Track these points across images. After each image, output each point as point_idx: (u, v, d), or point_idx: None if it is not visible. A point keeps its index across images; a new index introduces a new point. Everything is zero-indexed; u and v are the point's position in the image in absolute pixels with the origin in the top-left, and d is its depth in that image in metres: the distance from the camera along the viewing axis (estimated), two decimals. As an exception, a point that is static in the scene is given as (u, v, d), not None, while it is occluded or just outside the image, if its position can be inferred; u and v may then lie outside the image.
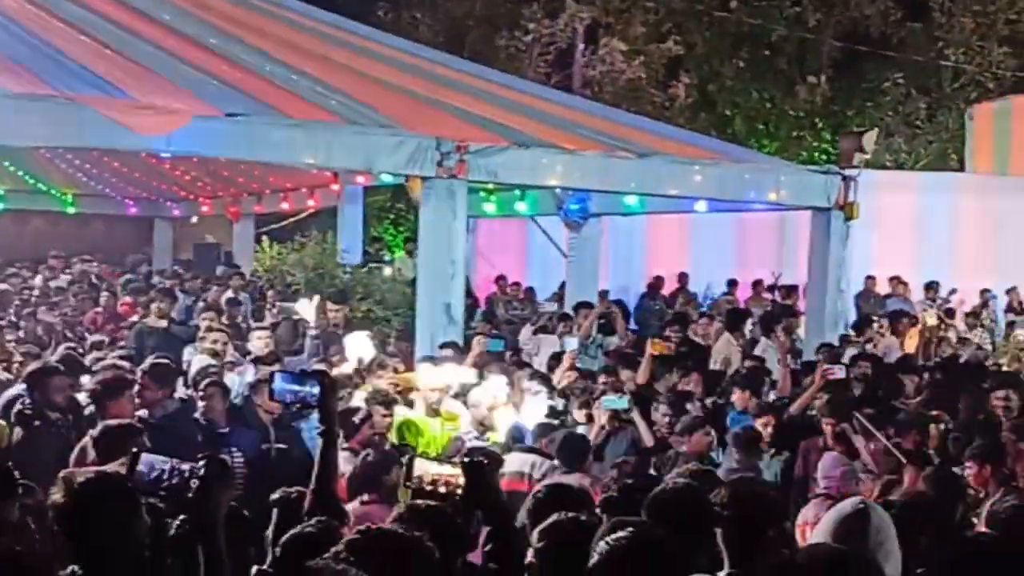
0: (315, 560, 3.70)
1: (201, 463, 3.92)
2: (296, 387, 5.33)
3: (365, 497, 6.97)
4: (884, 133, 28.12)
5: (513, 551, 4.70)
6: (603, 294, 16.70)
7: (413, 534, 3.97)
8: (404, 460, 5.31)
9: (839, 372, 10.95)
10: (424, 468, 4.98)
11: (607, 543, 3.93)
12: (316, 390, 5.25)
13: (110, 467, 4.63)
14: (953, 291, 20.46)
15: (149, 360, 9.82)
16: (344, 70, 15.07)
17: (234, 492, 4.15)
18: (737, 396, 11.09)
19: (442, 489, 4.82)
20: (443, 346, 12.22)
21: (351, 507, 6.40)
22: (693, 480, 5.48)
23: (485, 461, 4.98)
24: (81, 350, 12.40)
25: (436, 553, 3.83)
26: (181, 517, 3.96)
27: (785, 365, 12.20)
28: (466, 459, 4.91)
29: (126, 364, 10.28)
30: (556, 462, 8.59)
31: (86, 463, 6.81)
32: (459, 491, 4.81)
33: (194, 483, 3.86)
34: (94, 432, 6.75)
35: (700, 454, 9.23)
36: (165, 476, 3.91)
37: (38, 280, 20.40)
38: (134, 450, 4.10)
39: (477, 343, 12.14)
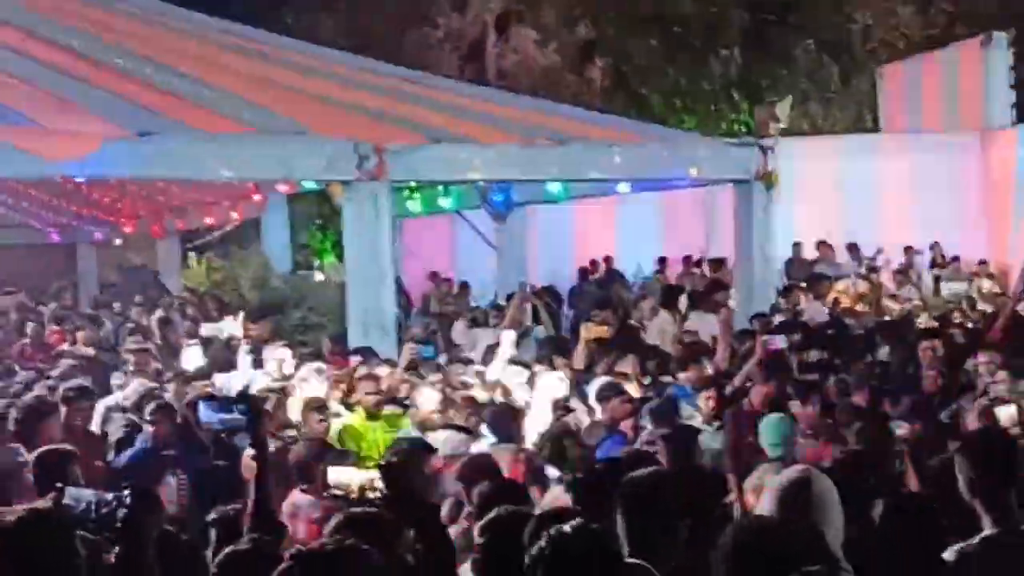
0: None
1: (127, 492, 3.88)
2: (224, 415, 5.30)
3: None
4: (799, 99, 28.34)
5: (443, 546, 4.70)
6: (521, 285, 16.68)
7: (357, 546, 3.95)
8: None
9: (779, 343, 11.00)
10: (339, 476, 4.97)
11: (552, 536, 3.93)
12: (244, 416, 5.22)
13: (38, 503, 4.57)
14: (879, 251, 20.69)
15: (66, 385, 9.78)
16: (255, 79, 14.98)
17: (162, 518, 4.11)
18: (685, 375, 11.11)
19: (358, 494, 4.81)
20: (361, 351, 12.10)
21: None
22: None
23: (393, 460, 4.96)
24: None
25: (380, 561, 3.82)
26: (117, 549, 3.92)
27: (726, 338, 12.22)
28: (381, 462, 4.90)
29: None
30: (464, 436, 8.63)
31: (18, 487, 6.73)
32: (376, 494, 4.80)
33: (120, 512, 3.82)
34: (33, 455, 6.62)
35: (616, 420, 9.32)
36: (92, 508, 3.87)
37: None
38: (58, 485, 4.05)
39: (407, 350, 12.04)
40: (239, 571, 3.93)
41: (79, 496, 3.91)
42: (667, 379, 11.44)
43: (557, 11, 32.38)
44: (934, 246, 21.12)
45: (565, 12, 32.44)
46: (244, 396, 6.27)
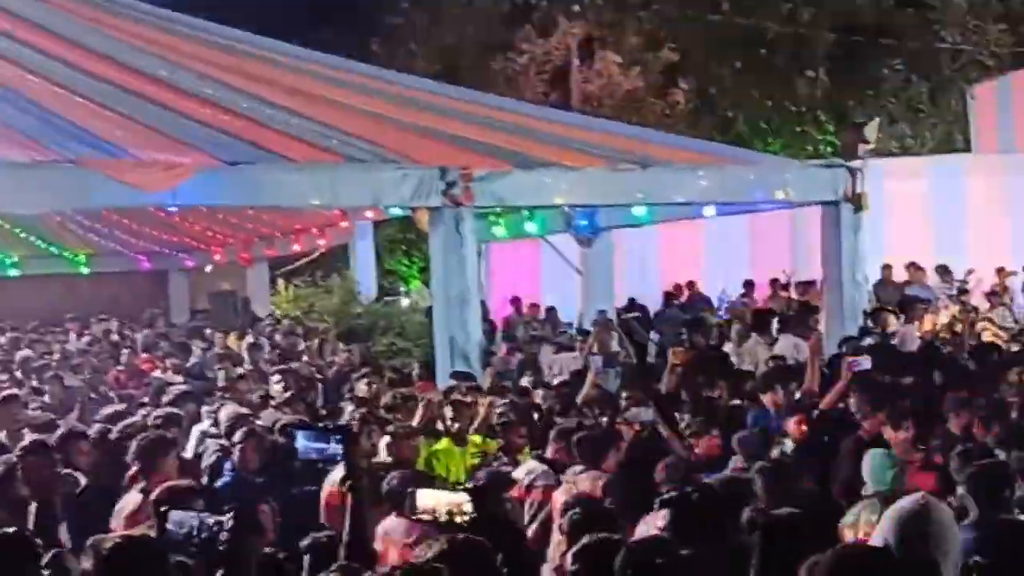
0: None
1: (229, 515, 3.92)
2: (321, 444, 5.34)
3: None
4: (888, 120, 28.07)
5: (530, 571, 4.68)
6: (600, 315, 16.60)
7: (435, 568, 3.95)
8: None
9: (864, 363, 10.84)
10: (428, 499, 4.98)
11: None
12: (340, 447, 5.25)
13: (136, 531, 4.64)
14: (970, 271, 20.38)
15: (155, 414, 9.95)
16: (343, 108, 15.13)
17: (265, 541, 4.15)
18: (767, 397, 10.98)
19: (447, 518, 4.81)
20: (455, 376, 12.20)
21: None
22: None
23: (482, 484, 4.96)
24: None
25: None
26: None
27: (814, 363, 12.05)
28: (470, 485, 4.89)
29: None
30: (546, 468, 8.58)
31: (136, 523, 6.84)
32: (466, 517, 4.80)
33: (223, 536, 3.86)
34: (154, 494, 6.70)
35: (711, 457, 9.25)
36: (195, 531, 3.91)
37: (57, 345, 20.46)
38: (162, 508, 4.11)
39: (488, 374, 12.09)
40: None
41: (182, 520, 3.95)
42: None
43: (641, 35, 32.36)
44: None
45: (649, 36, 32.42)
46: (341, 427, 6.31)
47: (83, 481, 8.71)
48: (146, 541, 4.26)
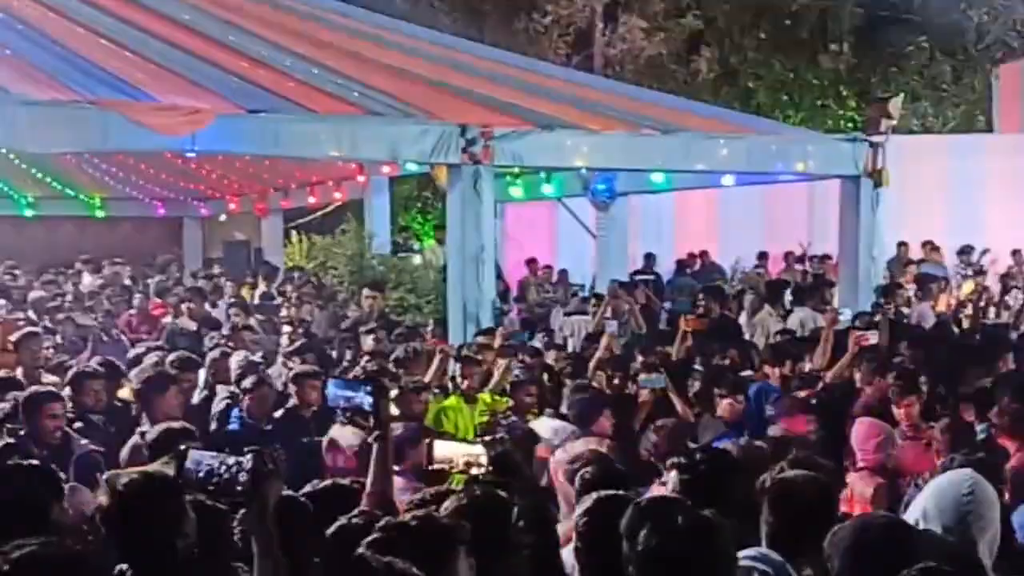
0: (361, 551, 3.69)
1: (248, 456, 3.91)
2: (349, 393, 5.34)
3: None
4: (910, 97, 27.89)
5: (548, 527, 4.67)
6: (611, 284, 16.55)
7: (457, 523, 3.95)
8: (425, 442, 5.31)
9: (872, 338, 10.85)
10: (445, 450, 4.98)
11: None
12: (369, 397, 5.25)
13: (153, 466, 4.65)
14: (985, 251, 20.32)
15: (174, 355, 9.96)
16: (365, 61, 15.08)
17: (282, 483, 4.15)
18: (770, 370, 10.98)
19: (464, 469, 4.81)
20: (479, 333, 12.24)
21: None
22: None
23: (507, 440, 4.96)
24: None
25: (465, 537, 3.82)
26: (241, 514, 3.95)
27: (829, 337, 12.02)
28: (487, 438, 4.88)
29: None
30: (573, 427, 8.58)
31: (140, 462, 6.86)
32: (481, 469, 4.80)
33: (243, 476, 3.85)
34: (149, 435, 6.72)
35: (727, 421, 9.26)
36: (214, 471, 3.90)
37: (70, 286, 20.50)
38: (181, 447, 4.11)
39: (499, 335, 12.05)
40: (351, 543, 3.94)
41: (200, 459, 3.94)
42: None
43: (665, 1, 32.18)
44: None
45: (673, 2, 32.24)
46: (372, 378, 6.32)
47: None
48: (162, 477, 4.27)
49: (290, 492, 4.66)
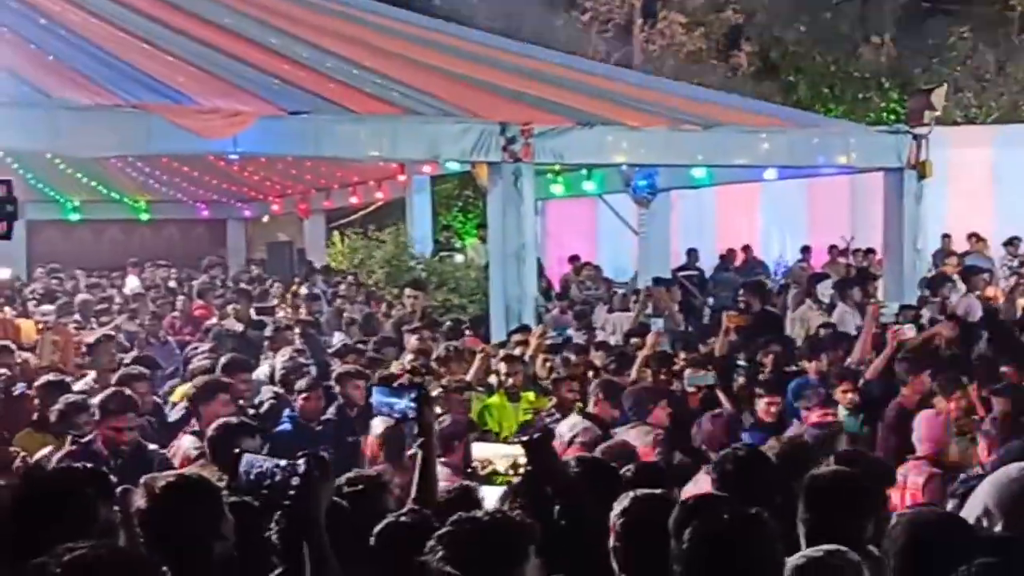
0: (422, 556, 3.68)
1: (301, 460, 3.93)
2: (394, 399, 5.37)
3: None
4: (953, 88, 27.64)
5: (582, 524, 4.66)
6: (655, 281, 16.49)
7: (530, 522, 3.94)
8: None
9: (909, 332, 10.78)
10: (483, 451, 4.99)
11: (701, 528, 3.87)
12: (414, 404, 5.27)
13: (191, 469, 4.68)
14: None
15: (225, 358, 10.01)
16: (404, 61, 15.12)
17: (333, 487, 4.16)
18: (811, 364, 10.92)
19: (502, 470, 4.82)
20: (515, 331, 12.24)
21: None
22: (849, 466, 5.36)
23: (543, 437, 4.94)
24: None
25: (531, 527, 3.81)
26: (279, 514, 3.97)
27: (869, 331, 11.94)
28: (524, 438, 4.87)
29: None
30: (588, 424, 8.57)
31: (188, 464, 6.93)
32: (520, 470, 4.80)
33: (295, 481, 3.87)
34: (209, 430, 6.76)
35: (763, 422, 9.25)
36: (267, 475, 3.92)
37: (115, 291, 20.68)
38: (236, 450, 4.13)
39: (534, 333, 11.99)
40: (400, 541, 3.96)
41: (253, 462, 3.96)
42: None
43: (705, -5, 32.07)
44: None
45: (713, -4, 32.13)
46: (416, 385, 6.36)
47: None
48: (199, 479, 4.29)
49: (336, 499, 4.67)
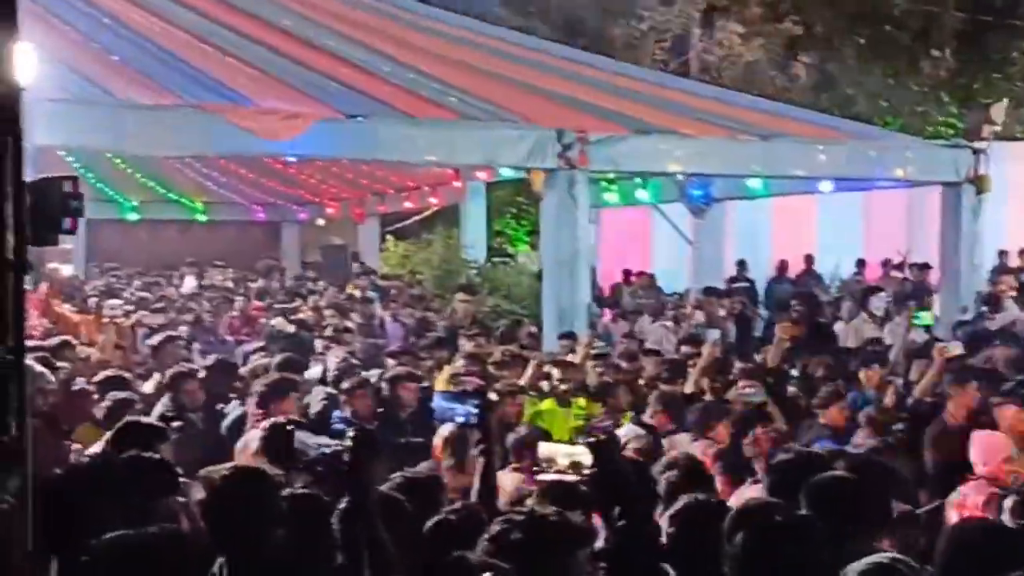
0: (472, 555, 3.72)
1: (351, 437, 3.99)
2: (455, 405, 5.43)
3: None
4: (1014, 104, 27.37)
5: (643, 528, 4.68)
6: (707, 291, 16.37)
7: (570, 521, 3.97)
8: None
9: (955, 348, 10.66)
10: (550, 451, 5.01)
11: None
12: (476, 410, 5.32)
13: (242, 462, 4.73)
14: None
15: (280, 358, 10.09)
16: (461, 67, 15.18)
17: (382, 465, 4.23)
18: (863, 374, 10.88)
19: (570, 471, 4.84)
20: (562, 336, 12.25)
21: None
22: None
23: (610, 439, 4.97)
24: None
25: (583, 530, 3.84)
26: (340, 507, 4.03)
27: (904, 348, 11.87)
28: (592, 439, 4.90)
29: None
30: (642, 431, 8.57)
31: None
32: (586, 471, 4.82)
33: (346, 456, 3.92)
34: (262, 430, 6.85)
35: (836, 427, 9.17)
36: (318, 451, 3.99)
37: (172, 290, 20.87)
38: (289, 427, 4.20)
39: (582, 341, 11.99)
40: (450, 538, 4.00)
41: (306, 441, 4.03)
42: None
43: (763, 6, 31.94)
44: None
45: (771, 7, 31.99)
46: (479, 391, 6.45)
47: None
48: (258, 472, 4.36)
49: (392, 493, 4.73)
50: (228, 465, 4.64)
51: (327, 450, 3.97)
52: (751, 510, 4.07)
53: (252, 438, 7.60)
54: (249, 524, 4.18)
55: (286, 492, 4.31)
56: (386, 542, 3.92)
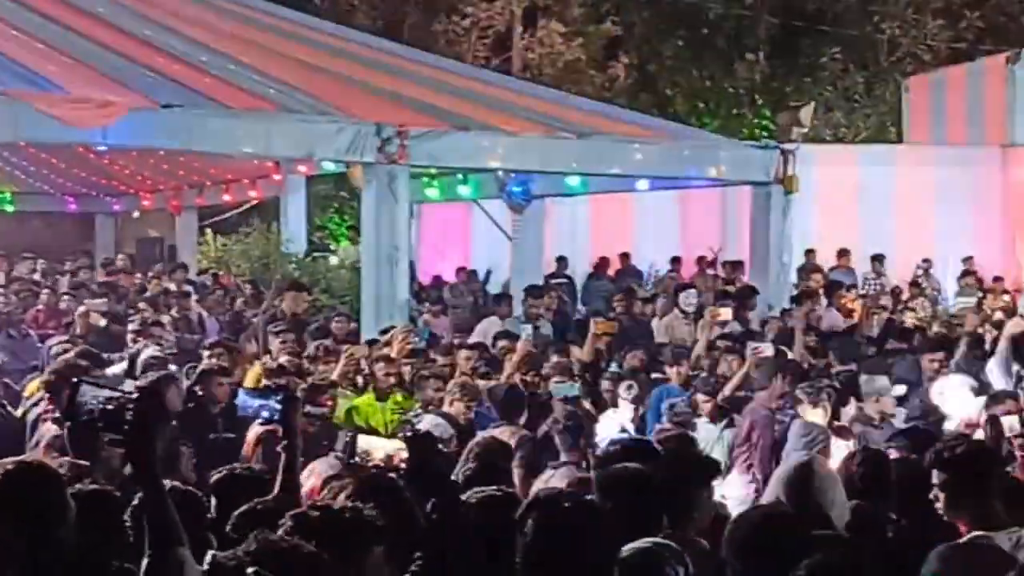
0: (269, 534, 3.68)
1: (136, 394, 3.89)
2: (260, 401, 5.37)
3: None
4: (823, 108, 28.31)
5: (458, 522, 4.73)
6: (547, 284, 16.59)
7: (363, 514, 3.97)
8: (347, 437, 5.34)
9: (767, 350, 11.01)
10: (368, 444, 5.02)
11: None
12: (278, 405, 5.26)
13: (34, 454, 4.60)
14: (926, 262, 20.79)
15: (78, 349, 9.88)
16: (281, 58, 15.03)
17: (168, 426, 4.14)
18: (672, 371, 11.24)
19: (384, 463, 4.85)
20: (382, 332, 12.21)
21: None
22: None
23: (426, 433, 5.01)
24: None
25: (380, 528, 3.83)
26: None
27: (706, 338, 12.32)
28: (409, 433, 4.93)
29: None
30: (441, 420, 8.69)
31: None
32: (403, 464, 4.85)
33: (128, 413, 3.80)
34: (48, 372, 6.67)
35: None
36: (102, 404, 3.86)
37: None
38: (74, 380, 4.06)
39: (398, 340, 11.96)
40: (259, 525, 3.95)
41: (90, 392, 3.90)
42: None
43: (584, 6, 32.37)
44: (967, 260, 21.08)
45: (592, 7, 32.44)
46: (283, 387, 6.38)
47: None
48: (40, 466, 4.18)
49: (177, 483, 4.66)
50: (12, 459, 4.41)
51: (112, 403, 3.83)
52: (541, 499, 4.18)
53: (45, 432, 7.43)
54: (31, 522, 4.01)
55: (75, 489, 4.16)
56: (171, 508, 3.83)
